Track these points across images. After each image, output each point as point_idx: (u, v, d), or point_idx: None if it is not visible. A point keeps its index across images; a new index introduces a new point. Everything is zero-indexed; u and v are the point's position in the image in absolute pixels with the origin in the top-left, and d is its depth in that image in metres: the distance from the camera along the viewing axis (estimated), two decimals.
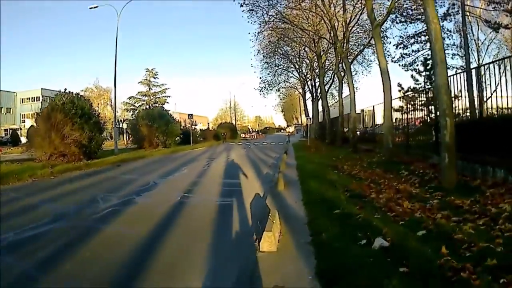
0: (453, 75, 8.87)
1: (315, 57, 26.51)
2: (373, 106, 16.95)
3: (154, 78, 55.51)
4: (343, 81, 21.21)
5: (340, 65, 20.87)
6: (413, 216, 4.50)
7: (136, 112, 44.06)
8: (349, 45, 18.38)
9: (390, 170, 8.30)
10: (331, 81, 29.11)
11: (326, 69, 27.72)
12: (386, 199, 5.41)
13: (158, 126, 23.34)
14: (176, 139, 26.48)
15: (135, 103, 54.78)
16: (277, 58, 32.05)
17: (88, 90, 55.73)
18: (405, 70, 17.69)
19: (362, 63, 26.79)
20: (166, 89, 56.20)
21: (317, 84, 31.04)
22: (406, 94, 12.79)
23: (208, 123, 71.38)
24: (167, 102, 55.91)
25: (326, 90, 27.18)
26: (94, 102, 54.38)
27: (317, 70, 28.49)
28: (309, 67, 31.96)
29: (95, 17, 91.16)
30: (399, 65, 18.19)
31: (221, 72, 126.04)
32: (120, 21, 20.85)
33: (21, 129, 47.17)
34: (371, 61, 26.57)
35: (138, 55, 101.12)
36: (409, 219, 4.37)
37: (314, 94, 33.24)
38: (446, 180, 6.01)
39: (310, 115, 34.57)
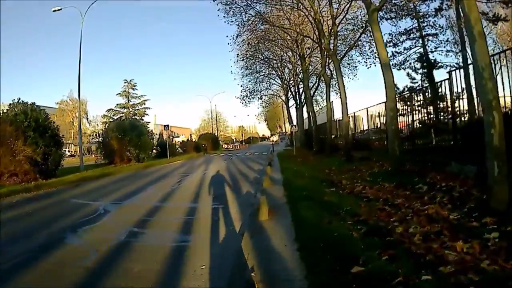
0: (450, 71, 8.25)
1: (298, 61, 25.00)
2: (367, 109, 15.30)
3: (133, 89, 52.67)
4: (330, 84, 19.65)
5: (327, 67, 19.34)
6: (479, 267, 2.69)
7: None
8: (337, 41, 16.82)
9: (402, 184, 6.47)
10: (315, 86, 27.63)
11: (310, 73, 26.28)
12: (421, 235, 3.58)
13: (130, 139, 20.94)
14: (151, 152, 24.27)
15: (113, 115, 51.61)
16: (258, 64, 30.54)
17: (63, 102, 53.11)
18: (397, 69, 16.36)
19: (349, 65, 25.42)
20: (146, 100, 53.47)
21: (301, 89, 29.63)
22: (402, 94, 11.67)
23: (191, 135, 68.77)
24: (147, 114, 53.28)
25: (311, 95, 25.66)
26: (69, 115, 52.52)
27: (300, 75, 27.00)
28: (292, 72, 30.51)
29: (74, 26, 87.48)
30: (390, 64, 16.82)
31: (202, 81, 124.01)
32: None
33: None
34: (358, 61, 25.36)
35: (118, 67, 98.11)
36: (479, 277, 2.56)
37: (298, 101, 31.72)
38: (496, 198, 4.22)
39: (295, 123, 33.11)
